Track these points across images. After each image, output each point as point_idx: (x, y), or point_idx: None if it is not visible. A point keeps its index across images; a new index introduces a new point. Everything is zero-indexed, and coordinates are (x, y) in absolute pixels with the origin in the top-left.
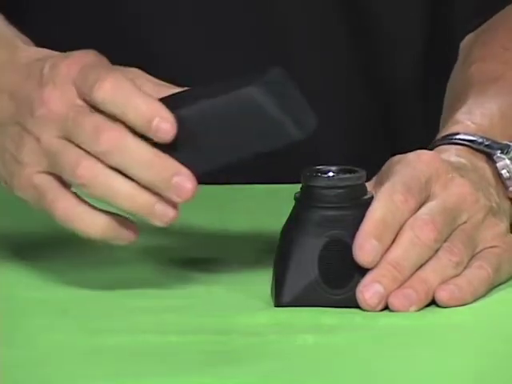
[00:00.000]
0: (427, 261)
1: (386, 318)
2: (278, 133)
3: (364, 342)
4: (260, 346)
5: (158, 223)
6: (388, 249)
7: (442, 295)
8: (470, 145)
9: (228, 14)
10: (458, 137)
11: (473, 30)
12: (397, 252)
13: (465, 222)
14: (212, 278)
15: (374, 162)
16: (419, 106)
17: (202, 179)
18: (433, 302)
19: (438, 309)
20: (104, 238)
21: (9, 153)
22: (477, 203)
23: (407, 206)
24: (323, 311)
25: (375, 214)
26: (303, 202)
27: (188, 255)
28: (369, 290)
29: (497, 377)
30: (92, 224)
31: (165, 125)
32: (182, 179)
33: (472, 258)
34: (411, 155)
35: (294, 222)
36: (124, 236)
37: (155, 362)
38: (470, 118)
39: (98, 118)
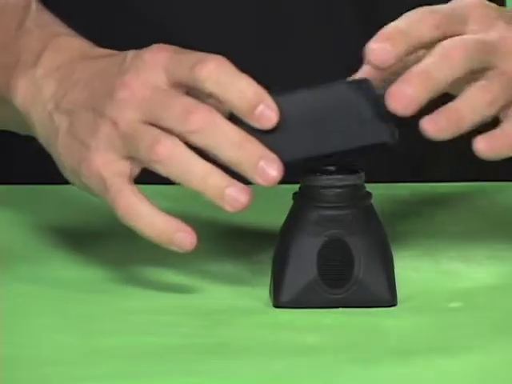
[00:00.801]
0: (459, 91)
1: (386, 319)
2: (370, 133)
3: (364, 343)
4: (259, 346)
5: (228, 208)
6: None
7: (479, 145)
8: None
9: (236, 13)
10: None
11: None
12: (427, 62)
13: (505, 65)
14: (210, 278)
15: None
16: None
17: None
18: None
19: (443, 310)
20: (159, 241)
21: (79, 140)
22: None
23: (431, 20)
24: (323, 311)
25: (391, 24)
26: (302, 202)
27: (185, 255)
28: (399, 92)
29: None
30: (150, 225)
31: (269, 112)
32: (268, 163)
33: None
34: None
35: (293, 222)
36: (178, 243)
37: (152, 362)
38: None
39: (187, 99)
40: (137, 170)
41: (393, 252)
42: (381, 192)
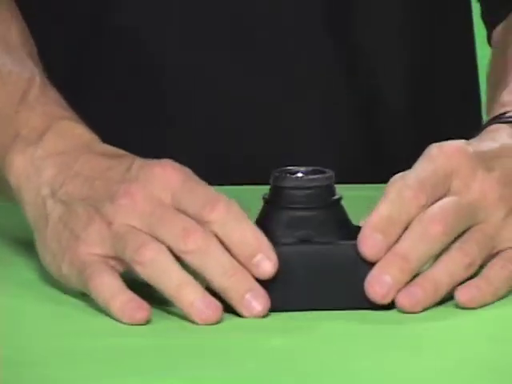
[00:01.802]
0: (438, 258)
1: (356, 324)
2: (363, 296)
3: (332, 345)
4: (228, 348)
5: (196, 318)
6: (395, 242)
7: (461, 297)
8: None
9: (214, 22)
10: (507, 115)
11: (501, 21)
12: (404, 244)
13: (484, 221)
14: None
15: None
16: (410, 124)
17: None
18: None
19: (412, 314)
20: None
21: (69, 230)
22: (499, 200)
23: (416, 202)
24: (291, 314)
25: (381, 209)
26: (272, 203)
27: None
28: (377, 282)
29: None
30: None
31: (266, 263)
32: (254, 297)
33: (491, 258)
34: (435, 148)
35: (263, 223)
36: (130, 317)
37: (122, 363)
38: None
39: (187, 220)
40: (119, 269)
41: None
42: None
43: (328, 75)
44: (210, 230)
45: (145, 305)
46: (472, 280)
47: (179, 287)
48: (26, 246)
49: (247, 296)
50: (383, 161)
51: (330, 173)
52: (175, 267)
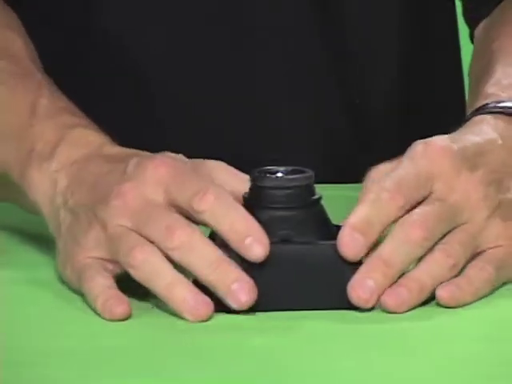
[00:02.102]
0: (422, 259)
1: (337, 323)
2: (346, 297)
3: (313, 345)
4: (207, 348)
5: (189, 316)
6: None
7: (441, 295)
8: (505, 111)
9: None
10: (491, 105)
11: (483, 18)
12: (387, 249)
13: (467, 221)
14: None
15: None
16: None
17: None
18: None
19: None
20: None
21: (73, 237)
22: (483, 201)
23: (394, 203)
24: (272, 314)
25: (360, 210)
26: (251, 202)
27: None
28: (360, 286)
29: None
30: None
31: (256, 246)
32: (241, 287)
33: (475, 257)
34: (419, 147)
35: None
36: (110, 312)
37: (122, 364)
38: (500, 88)
39: (173, 217)
40: (116, 271)
41: None
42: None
43: (317, 77)
44: (201, 220)
45: (124, 300)
46: (453, 279)
47: (170, 286)
48: (26, 245)
49: (233, 287)
50: (372, 161)
51: (309, 172)
52: (166, 267)
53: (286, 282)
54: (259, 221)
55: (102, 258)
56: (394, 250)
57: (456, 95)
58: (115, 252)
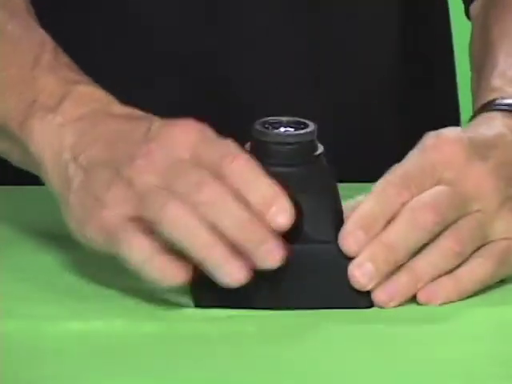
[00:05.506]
0: (426, 245)
1: (337, 324)
2: (347, 297)
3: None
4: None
5: (226, 280)
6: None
7: (421, 297)
8: (511, 108)
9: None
10: (497, 102)
11: None
12: (393, 233)
13: (477, 211)
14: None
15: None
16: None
17: None
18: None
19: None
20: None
21: (93, 195)
22: (494, 191)
23: (399, 198)
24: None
25: (364, 206)
26: (253, 157)
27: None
28: (360, 269)
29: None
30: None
31: (282, 215)
32: (270, 247)
33: (477, 249)
34: (431, 138)
35: None
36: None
37: (122, 363)
38: (506, 82)
39: (204, 172)
40: (148, 230)
41: None
42: None
43: (309, 76)
44: (228, 182)
45: (185, 266)
46: (439, 279)
47: (207, 248)
48: (21, 236)
49: (263, 247)
50: (368, 161)
51: (311, 127)
52: (201, 226)
53: (289, 282)
54: None
55: (131, 217)
56: (401, 234)
57: (450, 93)
58: (144, 209)
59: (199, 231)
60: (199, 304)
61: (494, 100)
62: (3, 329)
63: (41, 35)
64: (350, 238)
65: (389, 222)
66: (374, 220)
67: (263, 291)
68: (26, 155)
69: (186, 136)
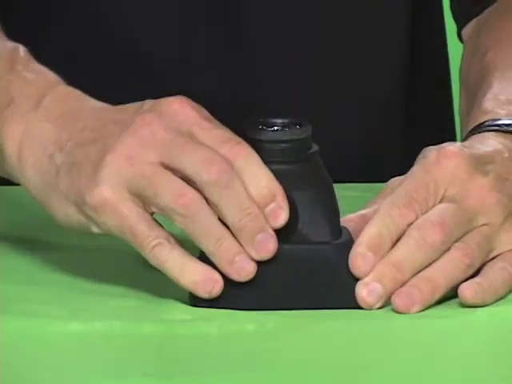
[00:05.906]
0: (436, 259)
1: (338, 322)
2: (344, 297)
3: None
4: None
5: (235, 276)
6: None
7: (466, 293)
8: (501, 128)
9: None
10: (488, 123)
11: (472, 19)
12: (400, 252)
13: (483, 225)
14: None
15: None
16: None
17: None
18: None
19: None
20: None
21: (84, 172)
22: (497, 205)
23: (404, 219)
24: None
25: (370, 229)
26: None
27: (127, 257)
28: (367, 288)
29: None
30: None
31: (280, 212)
32: (266, 237)
33: (495, 257)
34: (432, 154)
35: None
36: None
37: (121, 363)
38: (498, 104)
39: (209, 149)
40: (147, 208)
41: None
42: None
43: (318, 76)
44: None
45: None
46: (474, 279)
47: (219, 242)
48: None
49: (259, 236)
50: (374, 160)
51: (306, 126)
52: (214, 220)
53: (286, 282)
54: None
55: (129, 193)
56: (409, 254)
57: (444, 94)
58: (152, 194)
59: (213, 227)
60: (197, 305)
61: (485, 122)
62: (3, 329)
63: (12, 42)
64: (359, 261)
65: (395, 242)
66: (382, 241)
67: (261, 292)
68: (2, 160)
69: (186, 113)
